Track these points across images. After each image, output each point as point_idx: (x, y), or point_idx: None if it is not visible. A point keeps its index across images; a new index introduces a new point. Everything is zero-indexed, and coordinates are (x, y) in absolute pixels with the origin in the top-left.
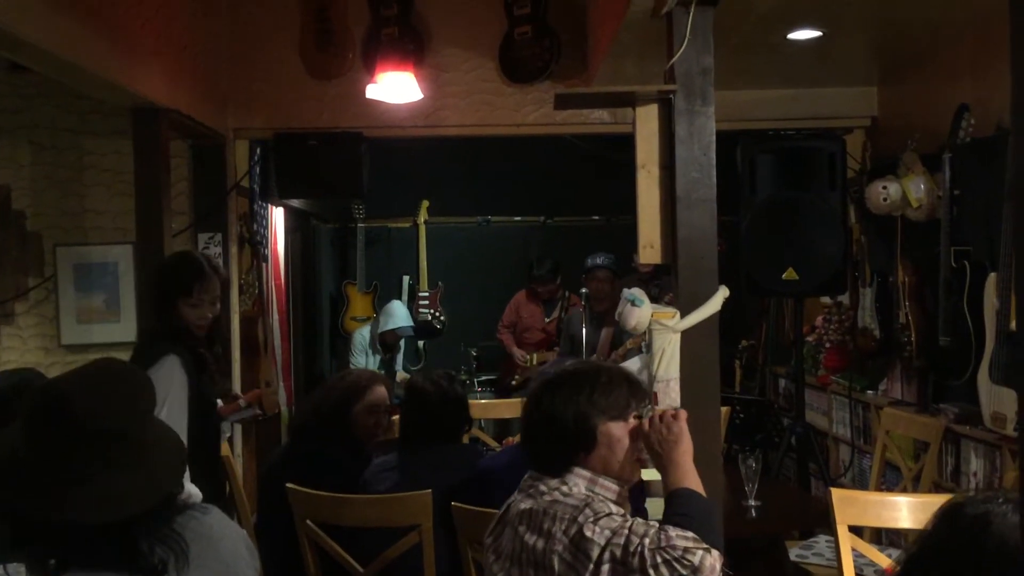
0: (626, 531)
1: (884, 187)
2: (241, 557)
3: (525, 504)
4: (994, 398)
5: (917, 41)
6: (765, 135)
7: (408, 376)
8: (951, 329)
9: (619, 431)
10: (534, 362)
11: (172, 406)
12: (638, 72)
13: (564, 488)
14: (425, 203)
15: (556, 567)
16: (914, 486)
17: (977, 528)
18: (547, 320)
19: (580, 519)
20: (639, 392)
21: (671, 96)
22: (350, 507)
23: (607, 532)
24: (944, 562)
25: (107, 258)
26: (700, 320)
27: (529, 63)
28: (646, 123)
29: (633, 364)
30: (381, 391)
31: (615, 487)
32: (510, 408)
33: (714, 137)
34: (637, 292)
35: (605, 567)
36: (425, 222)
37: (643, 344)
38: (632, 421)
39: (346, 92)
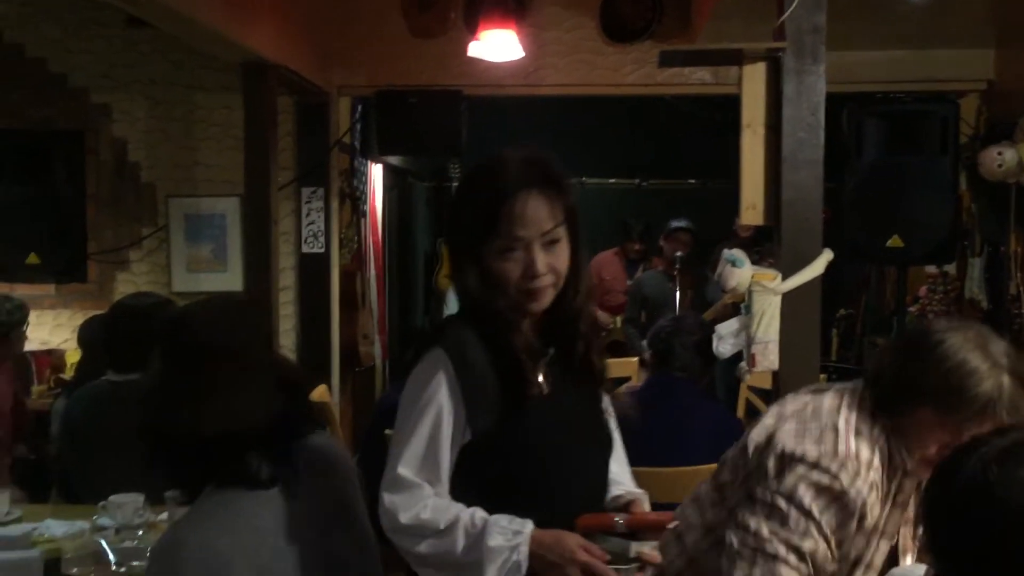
0: (793, 501)
1: (1000, 153)
2: (351, 483)
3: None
4: None
5: None
6: (873, 98)
7: None
8: None
9: None
10: (618, 324)
11: None
12: (743, 33)
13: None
14: None
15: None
16: None
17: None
18: (630, 283)
19: (807, 451)
20: None
21: (780, 54)
22: None
23: (794, 480)
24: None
25: (215, 210)
26: (802, 283)
27: (631, 22)
28: (753, 82)
29: (731, 325)
30: None
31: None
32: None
33: (823, 97)
34: (738, 253)
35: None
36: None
37: (742, 305)
38: None
39: (447, 51)
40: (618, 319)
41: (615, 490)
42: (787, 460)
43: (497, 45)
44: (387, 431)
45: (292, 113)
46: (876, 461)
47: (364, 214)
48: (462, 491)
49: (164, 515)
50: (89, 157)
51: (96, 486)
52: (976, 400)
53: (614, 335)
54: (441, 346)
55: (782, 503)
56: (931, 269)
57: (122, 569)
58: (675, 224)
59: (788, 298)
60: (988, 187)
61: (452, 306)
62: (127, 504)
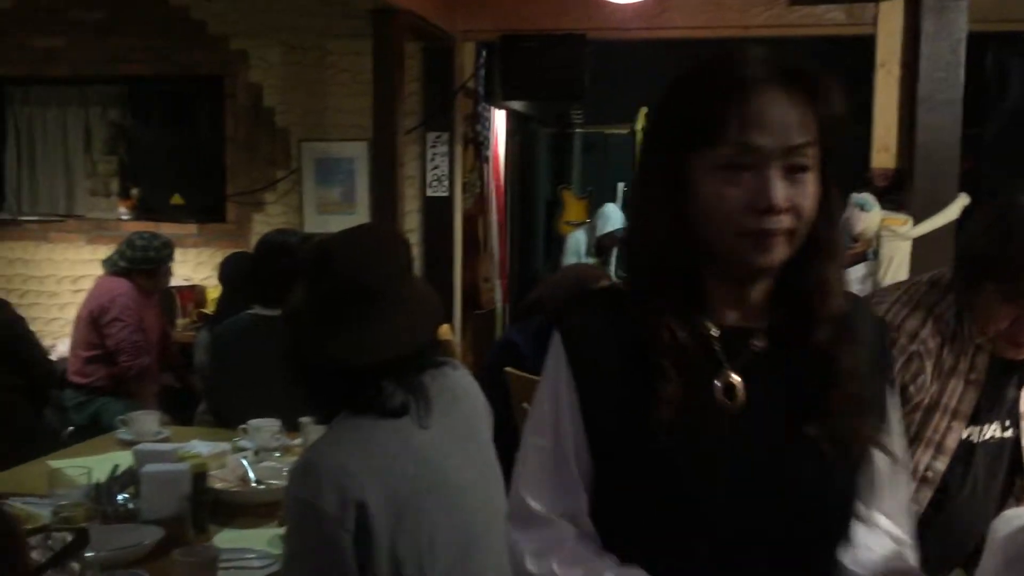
0: None
1: None
2: (480, 415)
3: None
4: None
5: None
6: (1020, 37)
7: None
8: None
9: None
10: None
11: None
12: None
13: None
14: (643, 110)
15: None
16: None
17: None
18: None
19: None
20: None
21: None
22: None
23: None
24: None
25: (345, 153)
26: (934, 228)
27: None
28: (890, 18)
29: (858, 271)
30: (605, 284)
31: None
32: None
33: (965, 35)
34: (867, 196)
35: None
36: (643, 129)
37: (869, 251)
38: None
39: None
40: None
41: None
42: None
43: None
44: (506, 368)
45: (419, 59)
46: (924, 333)
47: (487, 159)
48: (604, 531)
49: (299, 440)
50: (228, 102)
51: (238, 411)
52: None
53: None
54: (559, 329)
55: None
56: None
57: (261, 486)
58: None
59: (919, 244)
60: None
61: (571, 252)
62: (265, 428)
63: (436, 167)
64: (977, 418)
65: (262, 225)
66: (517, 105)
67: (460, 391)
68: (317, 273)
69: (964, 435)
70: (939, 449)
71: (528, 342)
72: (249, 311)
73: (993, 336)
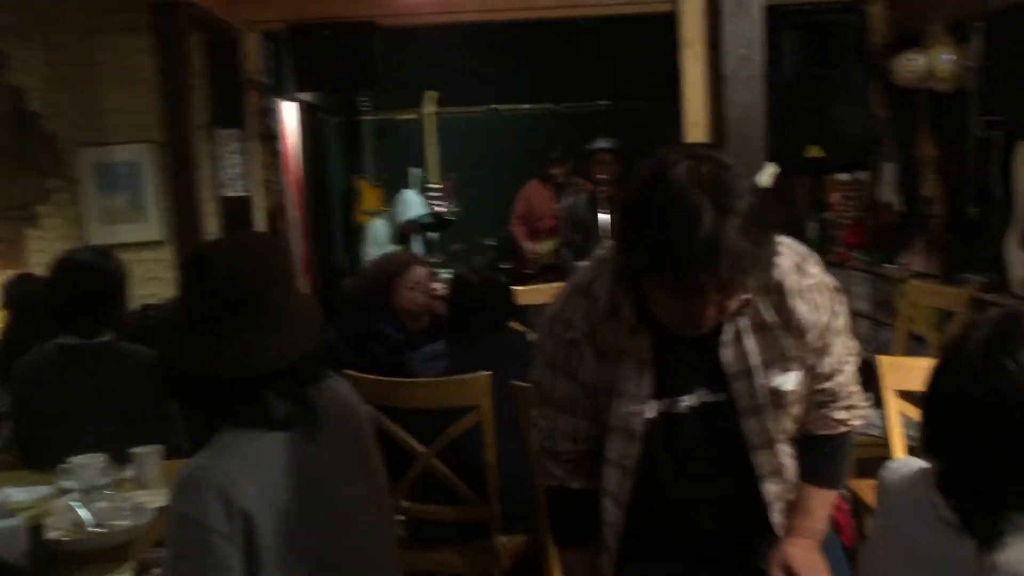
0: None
1: (910, 59)
2: (365, 429)
3: None
4: (1022, 264)
5: None
6: (784, 10)
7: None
8: (979, 199)
9: None
10: (547, 248)
11: None
12: None
13: None
14: (431, 94)
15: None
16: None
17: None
18: (558, 206)
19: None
20: None
21: None
22: (408, 390)
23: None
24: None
25: (128, 157)
26: None
27: None
28: None
29: None
30: (422, 270)
31: None
32: (534, 295)
33: (763, 11)
34: None
35: None
36: (432, 113)
37: None
38: None
39: None
40: (547, 243)
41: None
42: None
43: None
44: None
45: (201, 52)
46: (577, 318)
47: (279, 153)
48: None
49: (130, 472)
50: None
51: (52, 450)
52: None
53: (544, 260)
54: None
55: None
56: (843, 177)
57: (102, 529)
58: (595, 145)
59: None
60: (899, 94)
61: (372, 241)
62: (90, 465)
63: (230, 166)
64: (669, 390)
65: (39, 242)
66: (304, 95)
67: (346, 404)
68: (195, 281)
69: (657, 412)
70: (630, 436)
71: (344, 342)
72: (55, 340)
73: (669, 324)
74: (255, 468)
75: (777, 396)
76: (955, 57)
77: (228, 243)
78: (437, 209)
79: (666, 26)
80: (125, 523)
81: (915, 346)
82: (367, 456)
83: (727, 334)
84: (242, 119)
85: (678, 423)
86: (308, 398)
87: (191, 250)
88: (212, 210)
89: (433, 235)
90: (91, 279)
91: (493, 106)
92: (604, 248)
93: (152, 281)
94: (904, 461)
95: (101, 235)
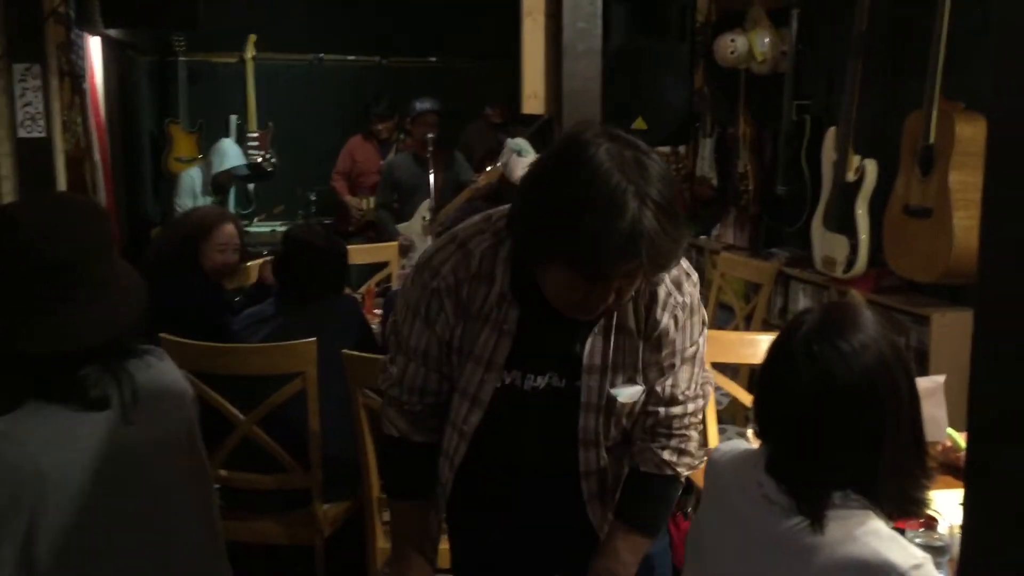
0: None
1: (732, 40)
2: (186, 407)
3: None
4: (826, 243)
5: None
6: None
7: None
8: (788, 178)
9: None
10: (370, 205)
11: None
12: None
13: None
14: (252, 37)
15: None
16: (746, 324)
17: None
18: (382, 163)
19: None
20: None
21: None
22: (231, 356)
23: None
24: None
25: None
26: None
27: None
28: None
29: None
30: (230, 228)
31: None
32: (357, 255)
33: None
34: (522, 142)
35: None
36: (253, 58)
37: None
38: None
39: None
40: (370, 199)
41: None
42: None
43: None
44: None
45: None
46: (446, 269)
47: (85, 93)
48: None
49: None
50: None
51: None
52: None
53: (367, 216)
54: None
55: None
56: (663, 149)
57: None
58: (420, 106)
59: None
60: (719, 72)
61: (185, 192)
62: None
63: (27, 103)
64: (522, 365)
65: None
66: (112, 32)
67: (168, 384)
68: (6, 249)
69: (505, 382)
70: (475, 402)
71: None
72: None
73: (560, 307)
74: (57, 449)
75: (611, 403)
76: (773, 40)
77: (36, 205)
78: (255, 159)
79: None
80: None
81: (724, 315)
82: (189, 438)
83: (595, 327)
84: (43, 53)
85: (522, 400)
86: (131, 376)
87: None
88: (6, 151)
89: (250, 186)
90: None
91: (319, 55)
92: (430, 210)
93: None
94: (733, 443)
95: None
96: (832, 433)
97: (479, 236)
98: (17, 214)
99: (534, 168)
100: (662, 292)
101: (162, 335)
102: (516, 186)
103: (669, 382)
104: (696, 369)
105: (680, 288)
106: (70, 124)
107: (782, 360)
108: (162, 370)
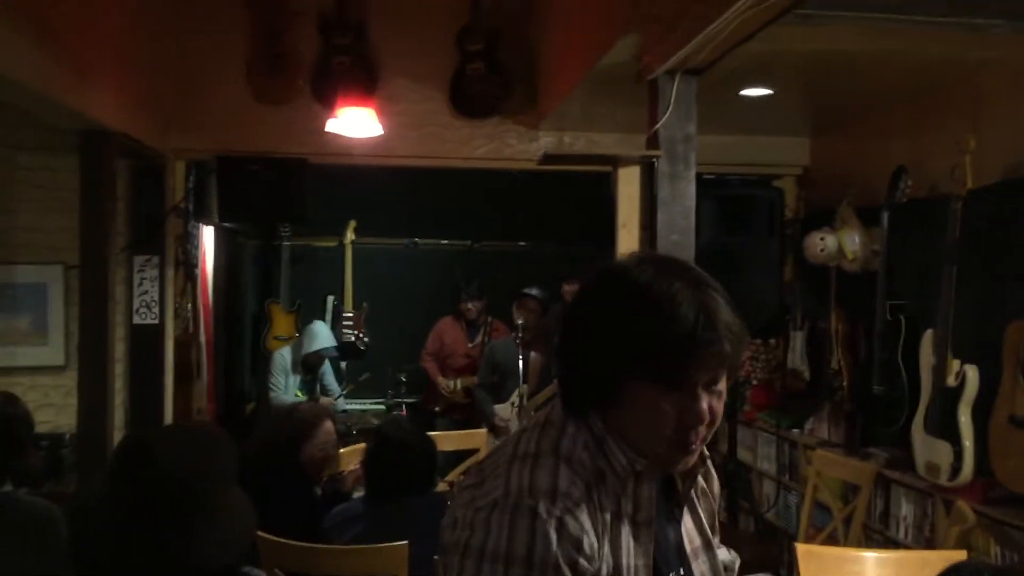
0: None
1: (822, 238)
2: (57, 549)
3: None
4: (928, 449)
5: (851, 102)
6: (706, 181)
7: (328, 399)
8: (884, 378)
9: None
10: (459, 387)
11: None
12: (582, 115)
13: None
14: (352, 223)
15: None
16: (844, 527)
17: None
18: (470, 345)
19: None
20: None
21: (654, 160)
22: (325, 557)
23: None
24: None
25: (36, 278)
26: None
27: (480, 99)
28: (628, 184)
29: None
30: (329, 425)
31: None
32: (448, 441)
33: (694, 201)
34: None
35: None
36: (352, 242)
37: None
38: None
39: (292, 118)
40: (458, 382)
41: None
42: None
43: (355, 122)
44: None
45: (126, 176)
46: (562, 484)
47: (196, 279)
48: None
49: None
50: None
51: None
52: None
53: (455, 398)
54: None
55: None
56: (753, 342)
57: None
58: (525, 291)
59: None
60: (811, 267)
61: (277, 369)
62: None
63: (144, 292)
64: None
65: None
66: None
67: (38, 517)
68: (130, 468)
69: None
70: None
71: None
72: None
73: (657, 448)
74: None
75: (727, 572)
76: (863, 239)
77: (172, 432)
78: (348, 338)
79: (585, 179)
80: None
81: (821, 515)
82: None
83: (685, 492)
84: (162, 246)
85: None
86: None
87: (128, 437)
88: (121, 335)
89: (342, 364)
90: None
91: (414, 239)
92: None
93: (47, 408)
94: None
95: None
96: None
97: (556, 436)
98: (151, 440)
99: (575, 308)
100: None
101: (259, 533)
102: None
103: (721, 551)
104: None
105: None
106: (180, 310)
107: None
108: (31, 504)
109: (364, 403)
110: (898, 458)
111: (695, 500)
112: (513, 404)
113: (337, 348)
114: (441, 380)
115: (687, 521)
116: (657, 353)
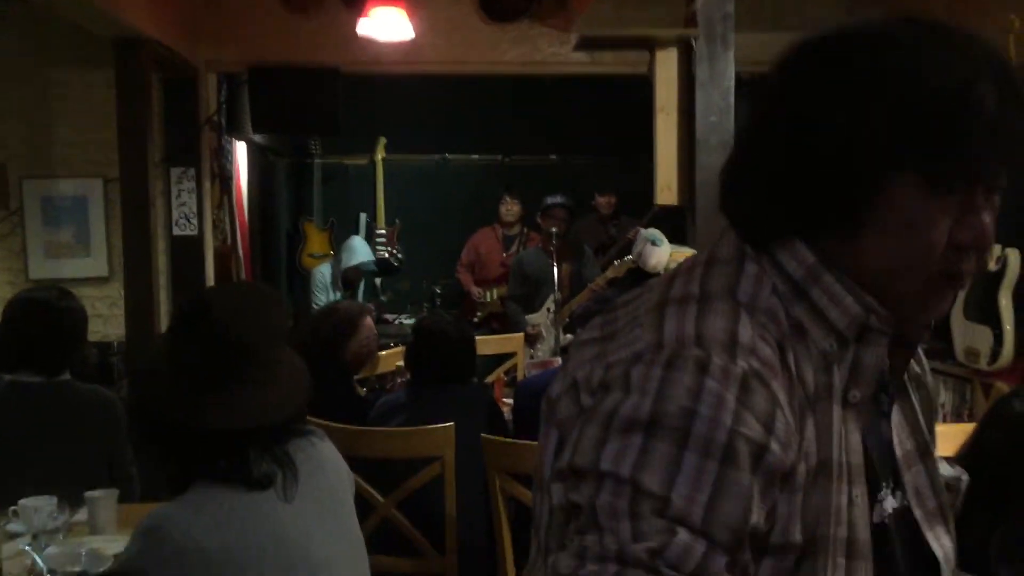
0: None
1: None
2: (344, 485)
3: None
4: (967, 334)
5: None
6: (746, 80)
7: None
8: None
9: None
10: (494, 297)
11: None
12: (615, 16)
13: None
14: (382, 140)
15: None
16: None
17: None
18: (505, 255)
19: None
20: None
21: (692, 40)
22: (370, 439)
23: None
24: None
25: (77, 192)
26: None
27: (509, 2)
28: (666, 67)
29: None
30: (370, 321)
31: None
32: (486, 345)
33: (733, 82)
34: (656, 232)
35: None
36: (383, 159)
37: None
38: None
39: (323, 26)
40: (493, 291)
41: None
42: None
43: (386, 24)
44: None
45: (158, 89)
46: (745, 338)
47: (231, 193)
48: None
49: (82, 516)
50: None
51: (3, 492)
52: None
53: (490, 307)
54: None
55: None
56: None
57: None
58: (550, 200)
59: None
60: None
61: (318, 286)
62: (42, 508)
63: (183, 204)
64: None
65: None
66: (256, 136)
67: (325, 462)
68: (190, 327)
69: (878, 512)
70: (852, 551)
71: None
72: (7, 377)
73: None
74: (225, 529)
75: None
76: None
77: (228, 291)
78: (382, 254)
79: (617, 87)
80: (78, 569)
81: None
82: (344, 514)
83: (898, 373)
84: (197, 158)
85: (885, 540)
86: (290, 457)
87: (188, 297)
88: (161, 248)
89: (377, 280)
90: (53, 318)
91: (444, 155)
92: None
93: (95, 318)
94: None
95: (44, 269)
96: None
97: (732, 275)
98: (210, 299)
99: (803, 69)
100: None
101: (309, 418)
102: (652, 275)
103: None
104: None
105: None
106: (218, 222)
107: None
108: (322, 450)
109: (401, 317)
110: (937, 348)
111: (909, 388)
112: (549, 309)
113: (375, 263)
114: (475, 289)
115: (896, 416)
116: (942, 133)
